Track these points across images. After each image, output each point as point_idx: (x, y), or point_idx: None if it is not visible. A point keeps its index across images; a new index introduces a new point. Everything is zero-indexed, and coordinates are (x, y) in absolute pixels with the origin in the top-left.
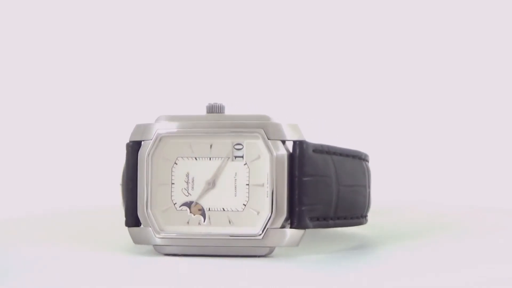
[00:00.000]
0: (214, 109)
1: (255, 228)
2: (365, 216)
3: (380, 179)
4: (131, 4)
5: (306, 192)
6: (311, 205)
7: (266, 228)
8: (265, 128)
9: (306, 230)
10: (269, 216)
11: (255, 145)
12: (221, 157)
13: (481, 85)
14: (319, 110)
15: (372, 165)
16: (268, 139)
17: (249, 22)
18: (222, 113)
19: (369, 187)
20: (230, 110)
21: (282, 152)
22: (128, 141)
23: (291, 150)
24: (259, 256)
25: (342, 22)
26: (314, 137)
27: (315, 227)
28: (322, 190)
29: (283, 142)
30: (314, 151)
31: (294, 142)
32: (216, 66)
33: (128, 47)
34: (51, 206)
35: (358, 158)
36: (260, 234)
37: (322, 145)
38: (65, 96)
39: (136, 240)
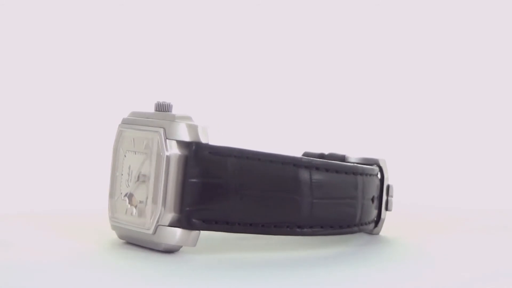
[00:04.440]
0: (162, 107)
1: (150, 224)
2: (310, 226)
3: None
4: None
5: (194, 193)
6: (201, 206)
7: (157, 224)
8: (165, 128)
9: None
10: (158, 213)
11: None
12: (147, 153)
13: (481, 87)
14: (320, 113)
15: None
16: (167, 138)
17: (248, 22)
18: (169, 111)
19: (316, 196)
20: (177, 110)
21: (175, 152)
22: None
23: None
24: (157, 251)
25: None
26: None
27: (211, 229)
28: (216, 193)
29: (183, 142)
30: (212, 153)
31: (190, 143)
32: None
33: (136, 44)
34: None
35: (293, 165)
36: (150, 229)
37: (230, 148)
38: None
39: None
